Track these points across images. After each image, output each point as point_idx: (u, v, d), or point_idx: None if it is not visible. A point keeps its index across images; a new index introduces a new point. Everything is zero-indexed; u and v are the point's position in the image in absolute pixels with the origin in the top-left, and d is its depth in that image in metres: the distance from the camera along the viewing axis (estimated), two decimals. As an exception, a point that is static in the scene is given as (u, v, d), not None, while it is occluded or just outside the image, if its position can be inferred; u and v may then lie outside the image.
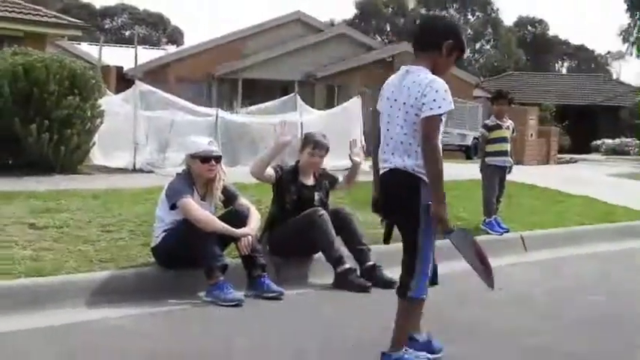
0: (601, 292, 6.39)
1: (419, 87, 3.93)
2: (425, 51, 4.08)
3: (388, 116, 4.11)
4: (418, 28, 4.46)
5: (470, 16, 67.55)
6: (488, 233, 8.36)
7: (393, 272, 6.39)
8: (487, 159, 8.74)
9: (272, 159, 6.32)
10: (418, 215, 3.98)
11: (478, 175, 8.94)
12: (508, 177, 8.94)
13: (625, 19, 36.68)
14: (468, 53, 67.36)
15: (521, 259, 7.95)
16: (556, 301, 6.08)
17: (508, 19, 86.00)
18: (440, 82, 3.95)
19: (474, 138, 26.15)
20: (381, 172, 4.14)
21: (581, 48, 76.62)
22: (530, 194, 11.81)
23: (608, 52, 75.76)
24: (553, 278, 7.03)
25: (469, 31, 67.44)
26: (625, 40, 36.17)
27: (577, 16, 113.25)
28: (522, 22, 73.13)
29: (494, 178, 8.67)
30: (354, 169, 6.70)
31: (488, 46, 68.23)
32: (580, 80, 50.39)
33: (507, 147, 8.75)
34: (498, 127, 8.73)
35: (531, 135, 23.24)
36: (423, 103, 3.90)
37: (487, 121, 8.96)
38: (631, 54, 38.08)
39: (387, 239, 4.33)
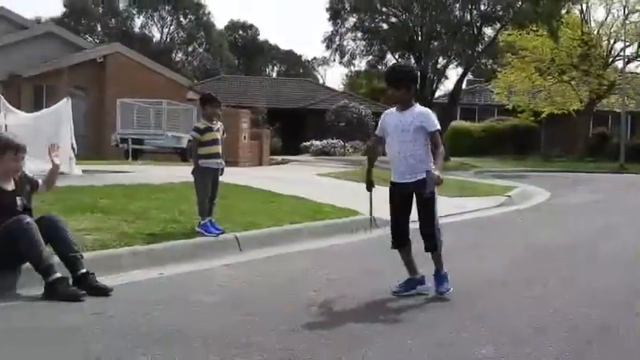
0: (312, 286, 6.68)
1: (422, 114, 6.27)
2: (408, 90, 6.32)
3: (399, 138, 6.26)
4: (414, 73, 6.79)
5: (182, 19, 67.71)
6: (203, 235, 8.40)
7: (108, 279, 6.28)
8: (200, 161, 8.79)
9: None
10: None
11: (192, 178, 8.96)
12: (221, 178, 9.06)
13: (328, 27, 38.68)
14: (181, 56, 67.76)
15: (237, 259, 8.09)
16: (271, 298, 6.27)
17: (220, 22, 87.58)
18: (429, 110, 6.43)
19: (189, 140, 26.22)
20: (408, 180, 6.25)
21: (290, 53, 79.91)
22: (244, 195, 12.06)
23: (314, 58, 79.73)
24: (267, 276, 7.24)
25: (182, 33, 67.67)
26: (328, 47, 38.16)
27: (286, 23, 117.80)
28: (234, 26, 74.71)
29: (207, 180, 8.74)
30: (53, 170, 6.53)
31: (201, 49, 68.82)
32: (289, 84, 52.59)
33: (219, 149, 8.85)
34: (209, 129, 8.81)
35: (244, 137, 23.81)
36: (430, 124, 6.23)
37: (198, 124, 8.99)
38: (334, 60, 40.23)
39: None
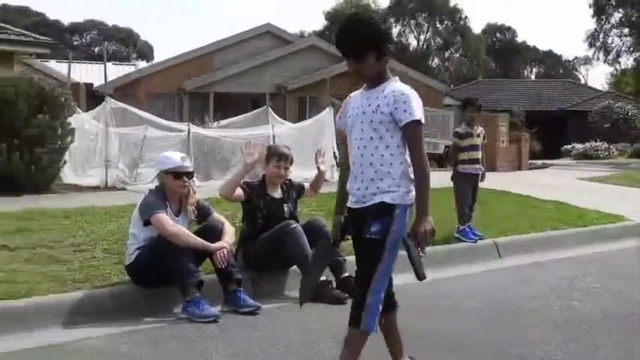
0: (575, 296, 6.44)
1: (395, 96, 3.77)
2: (377, 57, 3.81)
3: (357, 133, 3.90)
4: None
5: (439, 25, 67.94)
6: (462, 241, 8.39)
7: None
8: (459, 167, 8.78)
9: (241, 179, 6.34)
10: None
11: (451, 184, 8.96)
12: (480, 184, 8.99)
13: (591, 24, 37.05)
14: (437, 62, 67.88)
15: (495, 265, 8.00)
16: (532, 306, 6.12)
17: (476, 26, 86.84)
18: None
19: (446, 146, 26.26)
20: (361, 204, 3.87)
21: (549, 54, 77.45)
22: (503, 200, 11.88)
23: (575, 58, 76.55)
24: (528, 284, 7.07)
25: (438, 39, 67.89)
26: (591, 45, 36.51)
27: (544, 23, 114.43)
28: (491, 30, 73.72)
29: (466, 186, 8.71)
30: (320, 176, 6.78)
31: (457, 54, 68.65)
32: (549, 85, 50.93)
33: (479, 155, 8.80)
34: (470, 134, 8.77)
35: (502, 141, 23.38)
36: (403, 111, 3.75)
37: (459, 129, 8.99)
38: (597, 59, 38.35)
39: None
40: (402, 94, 3.72)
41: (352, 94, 4.01)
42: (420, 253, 3.82)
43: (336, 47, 3.87)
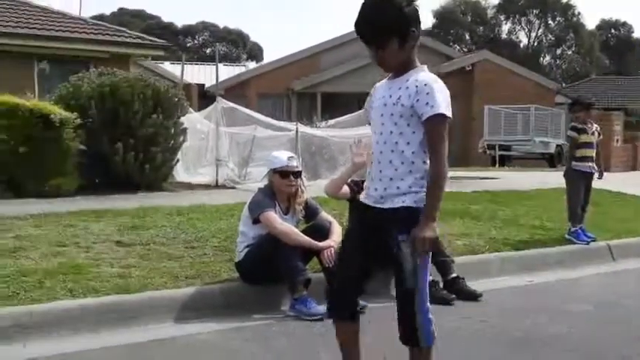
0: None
1: (417, 87, 3.38)
2: (400, 43, 3.40)
3: (379, 127, 3.50)
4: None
5: (550, 21, 66.34)
6: (573, 243, 8.18)
7: (477, 284, 6.37)
8: (572, 163, 8.58)
9: (348, 178, 6.34)
10: None
11: (562, 184, 8.76)
12: (594, 184, 8.75)
13: None
14: (549, 59, 66.28)
15: (609, 268, 7.78)
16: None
17: (590, 22, 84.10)
18: None
19: (557, 145, 25.64)
20: (379, 204, 3.47)
21: (668, 50, 74.46)
22: (617, 202, 11.53)
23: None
24: (643, 288, 6.84)
25: (550, 36, 66.30)
26: None
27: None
28: (605, 26, 71.51)
29: (579, 185, 8.48)
30: None
31: (569, 51, 66.88)
32: (667, 83, 48.95)
33: (592, 153, 8.58)
34: (584, 131, 8.57)
35: (617, 141, 22.67)
36: (424, 104, 3.36)
37: (575, 123, 8.74)
38: None
39: None
40: (425, 84, 3.32)
41: (378, 84, 3.62)
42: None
43: (356, 34, 3.38)
